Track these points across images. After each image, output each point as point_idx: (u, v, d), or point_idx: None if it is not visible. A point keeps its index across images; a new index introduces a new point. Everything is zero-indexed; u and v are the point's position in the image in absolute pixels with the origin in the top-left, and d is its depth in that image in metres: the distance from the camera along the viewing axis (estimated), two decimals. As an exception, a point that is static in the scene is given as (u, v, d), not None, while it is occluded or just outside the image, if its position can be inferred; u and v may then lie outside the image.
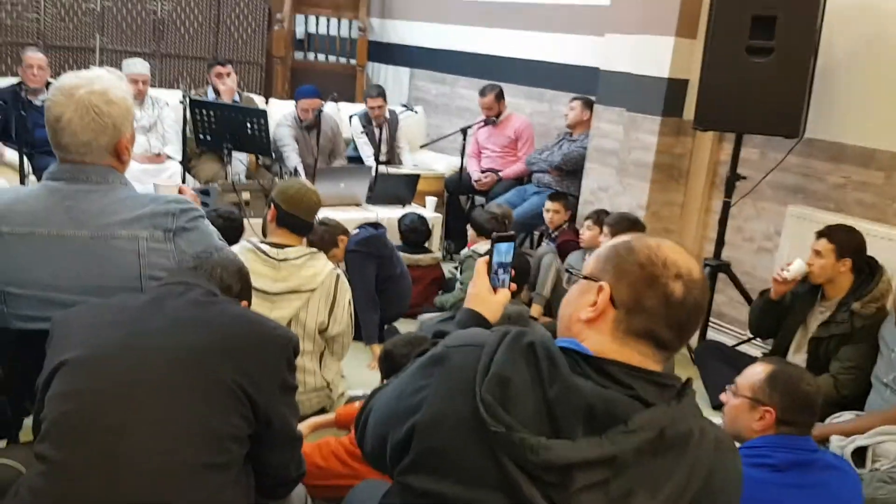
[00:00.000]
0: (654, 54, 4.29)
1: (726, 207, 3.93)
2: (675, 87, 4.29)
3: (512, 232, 1.73)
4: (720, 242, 3.95)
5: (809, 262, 3.21)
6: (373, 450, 1.26)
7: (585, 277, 1.24)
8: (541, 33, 6.05)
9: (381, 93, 6.02)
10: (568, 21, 5.82)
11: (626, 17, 4.51)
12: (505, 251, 1.55)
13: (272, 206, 2.89)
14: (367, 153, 5.94)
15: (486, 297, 1.52)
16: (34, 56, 4.98)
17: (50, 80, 4.94)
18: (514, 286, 1.58)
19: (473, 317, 1.49)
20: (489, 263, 1.53)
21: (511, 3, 6.35)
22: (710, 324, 4.11)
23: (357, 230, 3.86)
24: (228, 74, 5.42)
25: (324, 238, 3.44)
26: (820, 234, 3.20)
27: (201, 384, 1.47)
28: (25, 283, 1.77)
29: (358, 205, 4.78)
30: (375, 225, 4.01)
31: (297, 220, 2.87)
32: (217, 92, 5.38)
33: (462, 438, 1.09)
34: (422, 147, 6.27)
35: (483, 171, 5.71)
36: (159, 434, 1.42)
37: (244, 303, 1.78)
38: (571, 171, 5.15)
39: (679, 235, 4.50)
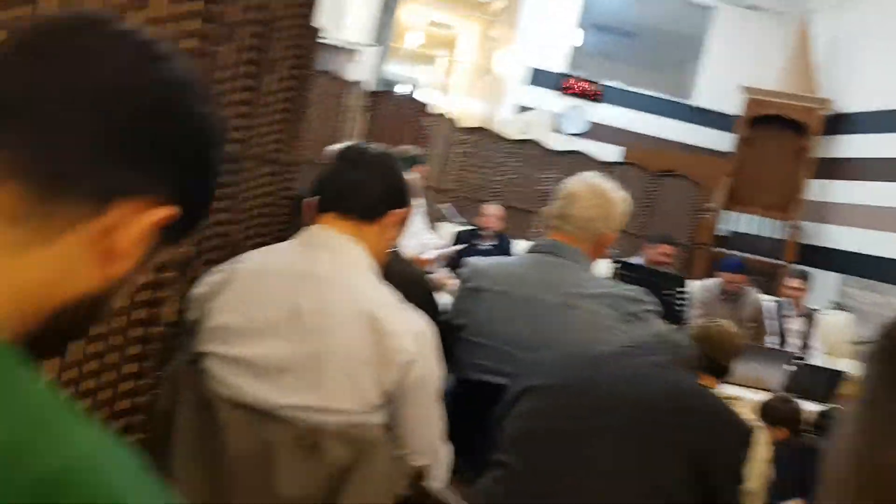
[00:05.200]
0: None
1: None
2: None
3: None
4: None
5: None
6: None
7: None
8: None
9: (804, 275, 5.81)
10: None
11: None
12: None
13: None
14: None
15: None
16: (493, 207, 5.73)
17: (500, 232, 5.62)
18: None
19: None
20: None
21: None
22: None
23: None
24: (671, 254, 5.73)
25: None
26: None
27: (656, 446, 1.47)
28: (491, 336, 1.97)
29: (768, 390, 4.49)
30: None
31: (715, 365, 2.69)
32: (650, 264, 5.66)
33: None
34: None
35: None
36: (605, 477, 1.45)
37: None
38: None
39: None
